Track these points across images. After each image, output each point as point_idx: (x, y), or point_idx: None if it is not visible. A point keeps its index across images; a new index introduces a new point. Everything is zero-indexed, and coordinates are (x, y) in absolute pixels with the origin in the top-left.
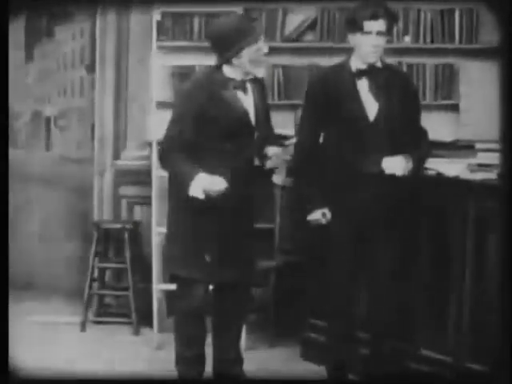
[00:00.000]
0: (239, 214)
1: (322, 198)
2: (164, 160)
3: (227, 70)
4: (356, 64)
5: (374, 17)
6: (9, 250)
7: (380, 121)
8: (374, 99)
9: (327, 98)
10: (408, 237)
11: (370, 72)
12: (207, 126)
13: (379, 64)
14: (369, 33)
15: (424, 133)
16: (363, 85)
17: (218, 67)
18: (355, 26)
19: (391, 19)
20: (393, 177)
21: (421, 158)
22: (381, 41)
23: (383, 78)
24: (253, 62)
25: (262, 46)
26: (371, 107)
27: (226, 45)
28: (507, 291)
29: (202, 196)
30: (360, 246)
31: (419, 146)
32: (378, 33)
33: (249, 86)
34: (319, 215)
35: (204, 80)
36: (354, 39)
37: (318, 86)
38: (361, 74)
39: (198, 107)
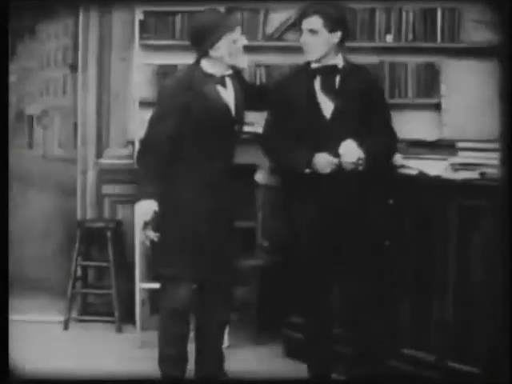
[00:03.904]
0: (220, 213)
1: None
2: (138, 160)
3: (207, 66)
4: (313, 63)
5: (304, 15)
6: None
7: (336, 119)
8: (329, 98)
9: (287, 98)
10: (387, 236)
11: (325, 71)
12: (189, 123)
13: (339, 62)
14: (302, 31)
15: (389, 133)
16: (318, 84)
17: (198, 64)
18: (298, 26)
19: (326, 16)
20: (351, 175)
21: (377, 154)
22: (311, 38)
23: (341, 76)
24: (231, 53)
25: (239, 37)
26: (327, 106)
27: (201, 37)
28: (491, 290)
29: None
30: (336, 247)
31: (378, 142)
32: (309, 30)
33: (228, 80)
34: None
35: (184, 77)
36: None
37: (278, 87)
38: (315, 72)
39: (179, 105)
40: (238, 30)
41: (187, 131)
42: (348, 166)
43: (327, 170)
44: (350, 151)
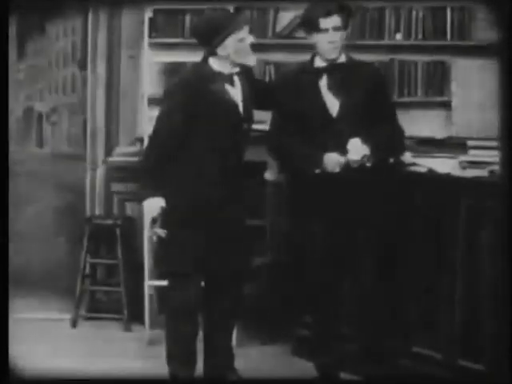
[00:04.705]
0: (230, 210)
1: None
2: (146, 157)
3: (214, 64)
4: (318, 62)
5: (328, 13)
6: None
7: (343, 117)
8: (334, 96)
9: (292, 97)
10: (396, 234)
11: (331, 69)
12: (197, 121)
13: (343, 60)
14: (325, 30)
15: (395, 128)
16: (324, 82)
17: (205, 61)
18: (311, 25)
19: (346, 14)
20: (356, 174)
21: (382, 150)
22: (337, 36)
23: (345, 74)
24: (239, 51)
25: (247, 35)
26: (333, 104)
27: (209, 36)
28: (500, 288)
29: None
30: (345, 246)
31: (384, 139)
32: (334, 28)
33: (236, 78)
34: None
35: (192, 75)
36: (313, 38)
37: (281, 86)
38: (321, 71)
39: (186, 102)
40: (246, 28)
41: (195, 129)
42: (354, 163)
43: (337, 169)
44: (356, 148)
